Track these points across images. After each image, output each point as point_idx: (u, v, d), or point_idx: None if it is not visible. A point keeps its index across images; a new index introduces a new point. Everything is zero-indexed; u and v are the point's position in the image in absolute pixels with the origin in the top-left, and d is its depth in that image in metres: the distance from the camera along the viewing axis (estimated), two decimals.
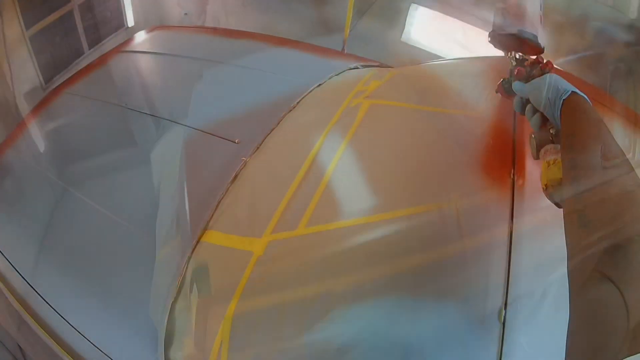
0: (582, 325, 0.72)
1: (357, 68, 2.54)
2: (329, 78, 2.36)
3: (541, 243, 1.40)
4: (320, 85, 2.30)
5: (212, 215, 1.76)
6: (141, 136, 2.22)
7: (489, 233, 1.42)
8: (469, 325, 1.30)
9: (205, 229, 1.74)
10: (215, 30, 3.32)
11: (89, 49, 4.60)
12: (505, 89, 1.36)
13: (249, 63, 2.57)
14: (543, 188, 1.10)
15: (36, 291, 1.78)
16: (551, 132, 1.18)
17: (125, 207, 1.93)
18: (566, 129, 1.08)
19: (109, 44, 4.59)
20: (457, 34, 4.01)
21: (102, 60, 2.95)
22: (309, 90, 2.24)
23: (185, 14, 4.33)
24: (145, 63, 2.94)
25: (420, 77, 2.33)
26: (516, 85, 1.29)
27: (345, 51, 3.37)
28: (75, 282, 1.79)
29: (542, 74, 1.25)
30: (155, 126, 2.22)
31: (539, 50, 1.35)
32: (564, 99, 1.12)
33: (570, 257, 0.84)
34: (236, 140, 2.00)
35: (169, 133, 2.17)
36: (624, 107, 2.33)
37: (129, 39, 3.17)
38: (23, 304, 1.81)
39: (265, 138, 1.98)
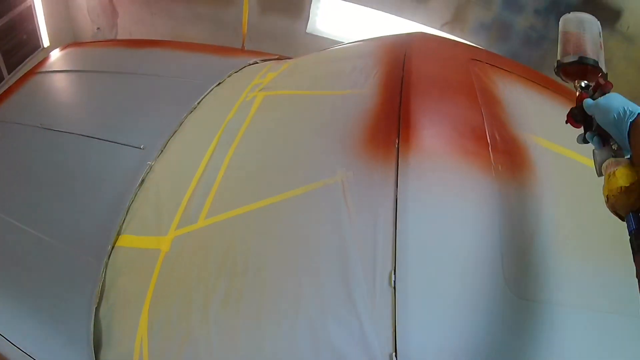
0: None
1: (257, 63, 2.62)
2: (229, 76, 2.45)
3: (427, 206, 1.45)
4: (220, 83, 2.39)
5: (124, 219, 1.84)
6: (55, 153, 2.25)
7: (374, 199, 1.47)
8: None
9: (118, 234, 1.82)
10: (123, 43, 3.34)
11: (9, 74, 4.56)
12: (574, 118, 1.32)
13: (153, 70, 2.62)
14: (605, 200, 1.08)
15: None
16: (613, 147, 1.18)
17: (45, 223, 1.95)
18: (636, 153, 1.07)
19: (27, 66, 4.56)
20: (361, 19, 4.10)
21: (19, 83, 2.93)
22: (209, 90, 2.33)
23: (98, 28, 4.32)
24: (58, 82, 2.93)
25: (314, 63, 2.41)
26: (586, 101, 1.25)
27: (246, 48, 3.43)
28: (6, 299, 1.80)
29: (604, 94, 1.24)
30: (68, 142, 2.26)
31: (601, 75, 1.34)
32: (631, 122, 1.11)
33: None
34: (141, 147, 2.07)
35: (82, 147, 2.21)
36: (555, 83, 2.45)
37: (44, 59, 3.15)
38: None
39: (168, 141, 2.07)
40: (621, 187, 1.03)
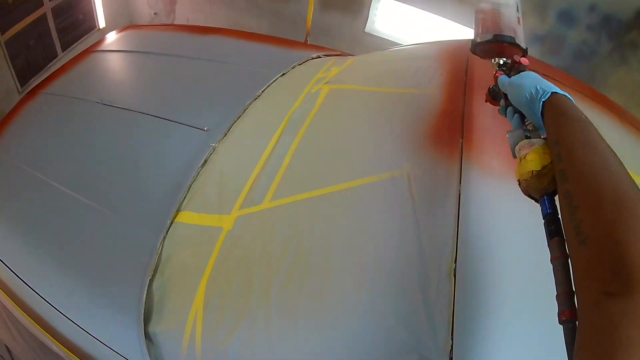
0: (591, 340, 0.68)
1: (320, 57, 2.66)
2: (292, 67, 2.49)
3: (488, 203, 1.47)
4: (284, 74, 2.43)
5: (185, 197, 1.88)
6: (116, 129, 2.29)
7: (438, 193, 1.51)
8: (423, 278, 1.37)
9: (178, 210, 1.85)
10: (183, 28, 3.39)
11: (62, 52, 4.64)
12: (492, 96, 1.31)
13: (216, 57, 2.67)
14: (518, 184, 1.05)
15: (22, 280, 1.84)
16: (528, 128, 1.14)
17: (104, 196, 1.99)
18: (551, 136, 1.01)
19: (81, 45, 4.64)
20: (420, 23, 4.11)
21: (76, 60, 2.98)
22: (273, 80, 2.36)
23: (155, 13, 4.38)
24: (116, 61, 2.99)
25: (378, 62, 2.45)
26: (500, 79, 1.23)
27: (309, 42, 3.45)
28: (56, 269, 1.84)
29: (520, 72, 1.20)
30: (129, 119, 2.30)
31: (520, 51, 1.31)
32: (544, 101, 1.05)
33: (574, 274, 0.78)
34: (205, 128, 2.11)
35: (143, 124, 2.25)
36: (604, 97, 2.46)
37: (101, 39, 3.21)
38: (10, 296, 1.87)
39: (232, 125, 2.11)
40: (532, 171, 1.00)
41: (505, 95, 1.23)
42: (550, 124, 1.03)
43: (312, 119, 2.00)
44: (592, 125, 0.94)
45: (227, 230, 1.71)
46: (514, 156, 1.11)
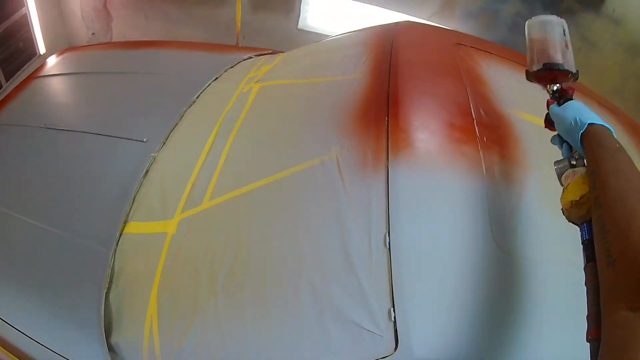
0: (614, 352, 0.73)
1: (251, 58, 2.69)
2: (225, 71, 2.52)
3: (417, 175, 1.51)
4: (216, 78, 2.46)
5: (130, 208, 1.90)
6: (61, 151, 2.29)
7: (367, 172, 1.55)
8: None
9: (125, 222, 1.87)
10: (120, 44, 3.38)
11: (7, 81, 4.58)
12: (550, 123, 1.29)
13: (152, 69, 2.69)
14: (561, 209, 1.08)
15: None
16: (575, 157, 1.17)
17: (55, 217, 1.99)
18: (589, 166, 1.04)
19: (24, 73, 4.57)
20: (350, 13, 4.16)
21: (19, 88, 2.95)
22: (206, 85, 2.40)
23: (93, 34, 4.35)
24: (58, 85, 2.96)
25: (306, 55, 2.49)
26: (551, 108, 1.25)
27: (240, 44, 3.47)
28: (15, 293, 1.84)
29: (567, 101, 1.23)
30: (73, 140, 2.30)
31: (570, 76, 1.30)
32: (582, 133, 1.08)
33: (602, 294, 0.83)
34: (144, 140, 2.13)
35: (86, 144, 2.25)
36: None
37: (42, 65, 3.18)
38: None
39: (170, 134, 2.14)
40: (572, 201, 1.04)
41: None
42: (588, 155, 1.06)
43: (244, 117, 2.03)
44: (626, 153, 0.99)
45: (172, 234, 1.75)
46: (561, 185, 1.14)
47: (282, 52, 2.72)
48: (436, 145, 1.62)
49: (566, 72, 1.29)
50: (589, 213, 1.00)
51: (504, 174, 1.59)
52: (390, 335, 1.25)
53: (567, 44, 1.33)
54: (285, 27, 4.32)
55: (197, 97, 2.32)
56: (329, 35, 2.61)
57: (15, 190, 2.18)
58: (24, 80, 3.07)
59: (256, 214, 1.66)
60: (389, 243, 1.37)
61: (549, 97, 1.31)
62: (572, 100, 1.23)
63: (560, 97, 1.27)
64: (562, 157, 1.20)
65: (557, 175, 1.17)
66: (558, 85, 1.29)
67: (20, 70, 4.68)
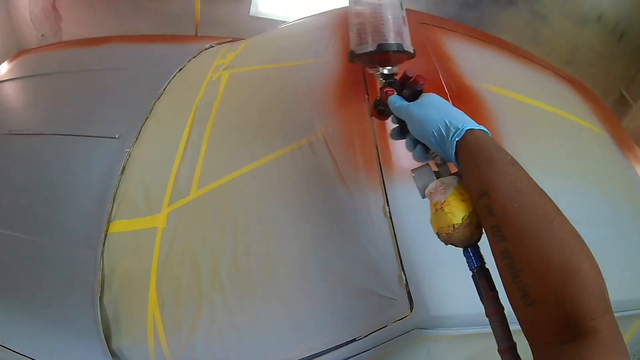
0: None
1: (212, 47, 2.59)
2: (188, 61, 2.42)
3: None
4: (181, 69, 2.35)
5: (112, 207, 1.79)
6: (31, 156, 2.15)
7: (356, 146, 1.52)
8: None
9: (109, 222, 1.76)
10: (76, 43, 3.17)
11: None
12: (378, 111, 1.08)
13: (114, 65, 2.55)
14: (436, 233, 0.89)
15: None
16: (435, 161, 0.97)
17: (34, 226, 1.87)
18: (473, 184, 0.84)
19: None
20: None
21: None
22: (172, 76, 2.29)
23: (42, 35, 4.13)
24: (18, 89, 2.78)
25: (271, 40, 2.41)
26: (393, 101, 1.01)
27: (199, 34, 3.36)
28: (4, 313, 1.70)
29: (416, 92, 1.01)
30: (42, 143, 2.16)
31: (408, 56, 1.11)
32: (457, 141, 0.87)
33: (525, 330, 0.74)
34: (117, 136, 2.02)
35: (57, 146, 2.12)
36: (496, 38, 2.50)
37: None
38: None
39: (142, 127, 2.03)
40: (453, 225, 0.84)
41: (400, 120, 1.02)
42: (469, 169, 0.86)
43: (218, 105, 1.95)
44: (521, 168, 0.82)
45: (162, 228, 1.66)
46: (423, 197, 0.95)
47: (242, 39, 2.63)
48: None
49: (403, 54, 1.09)
50: (474, 235, 0.85)
51: None
52: (404, 298, 1.23)
53: (405, 19, 1.12)
54: (238, 15, 4.22)
55: (164, 89, 2.21)
56: (282, 21, 2.54)
57: None
58: None
59: (251, 197, 1.60)
60: (390, 212, 1.34)
61: (380, 82, 1.09)
62: (428, 95, 0.98)
63: (403, 87, 1.03)
64: (418, 164, 0.98)
65: (419, 189, 0.95)
66: (390, 67, 1.09)
67: None
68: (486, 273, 0.85)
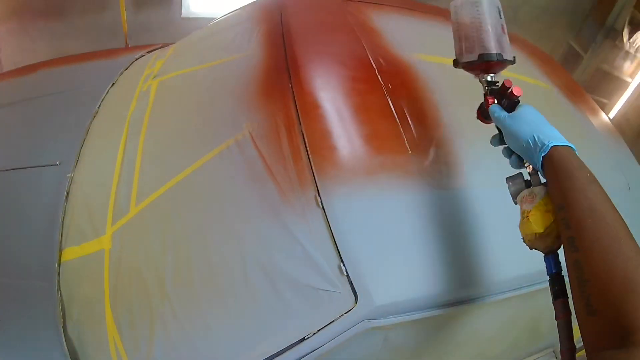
0: None
1: (143, 56, 2.54)
2: (120, 75, 2.36)
3: (326, 126, 1.47)
4: (114, 84, 2.30)
5: (61, 235, 1.76)
6: None
7: (282, 138, 1.48)
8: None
9: (60, 250, 1.74)
10: (10, 74, 3.11)
11: None
12: (483, 116, 1.15)
13: (48, 90, 2.47)
14: (522, 238, 0.99)
15: None
16: (528, 171, 1.05)
17: None
18: (555, 197, 0.93)
19: None
20: None
21: None
22: (105, 93, 2.24)
23: None
24: None
25: (197, 41, 2.37)
26: (493, 110, 1.09)
27: (129, 45, 3.29)
28: None
29: (513, 104, 1.08)
30: None
31: (509, 64, 1.16)
32: (543, 156, 0.95)
33: (583, 335, 0.81)
34: (57, 162, 1.97)
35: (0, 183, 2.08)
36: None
37: None
38: None
39: (80, 150, 1.99)
40: (535, 233, 0.95)
41: (499, 129, 1.10)
42: (553, 184, 0.95)
43: (148, 115, 1.91)
44: (599, 186, 0.89)
45: (108, 249, 1.63)
46: (515, 203, 1.04)
47: (173, 44, 2.57)
48: (342, 99, 1.56)
49: (504, 62, 1.13)
50: (554, 243, 0.95)
51: (416, 115, 1.56)
52: (347, 290, 1.21)
53: (504, 28, 1.15)
54: (170, 19, 4.16)
55: (98, 107, 2.17)
56: (215, 19, 2.48)
57: None
58: None
59: (184, 207, 1.57)
60: (321, 202, 1.31)
61: (484, 89, 1.15)
62: (524, 107, 1.06)
63: (502, 96, 1.10)
64: (514, 172, 1.07)
65: (511, 195, 1.05)
66: (492, 75, 1.14)
67: None
68: (561, 280, 0.94)
